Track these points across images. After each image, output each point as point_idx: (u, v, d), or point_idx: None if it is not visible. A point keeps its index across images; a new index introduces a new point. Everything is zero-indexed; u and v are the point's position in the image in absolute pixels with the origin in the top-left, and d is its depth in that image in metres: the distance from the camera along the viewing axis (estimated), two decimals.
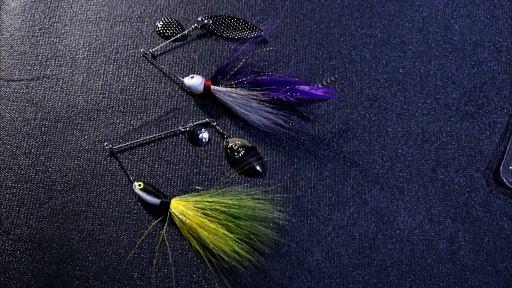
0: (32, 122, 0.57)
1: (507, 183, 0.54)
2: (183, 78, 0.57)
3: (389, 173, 0.55)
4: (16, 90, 0.58)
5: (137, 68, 0.59)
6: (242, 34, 0.60)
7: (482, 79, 0.59)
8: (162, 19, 0.61)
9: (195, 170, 0.55)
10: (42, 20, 0.62)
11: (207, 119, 0.57)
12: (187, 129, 0.57)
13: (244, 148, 0.55)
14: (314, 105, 0.58)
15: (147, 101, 0.58)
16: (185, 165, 0.56)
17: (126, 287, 0.51)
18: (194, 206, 0.52)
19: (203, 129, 0.56)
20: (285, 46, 0.60)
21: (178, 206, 0.52)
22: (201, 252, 0.51)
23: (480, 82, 0.59)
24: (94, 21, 0.62)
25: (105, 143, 0.56)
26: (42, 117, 0.57)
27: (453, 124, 0.57)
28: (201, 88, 0.57)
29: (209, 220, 0.51)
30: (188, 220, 0.51)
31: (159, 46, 0.60)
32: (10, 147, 0.56)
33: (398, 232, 0.53)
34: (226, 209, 0.51)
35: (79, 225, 0.53)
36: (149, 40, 0.61)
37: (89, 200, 0.54)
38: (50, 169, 0.55)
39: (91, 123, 0.57)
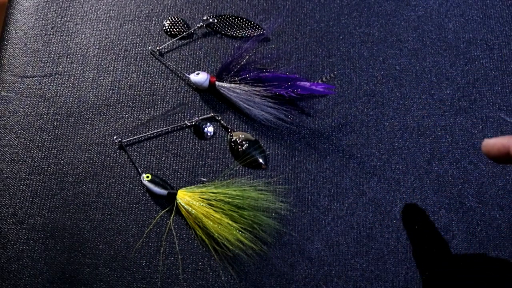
0: (45, 116, 0.56)
1: None
2: (189, 74, 0.56)
3: (386, 165, 0.54)
4: (29, 86, 0.57)
5: (145, 65, 0.58)
6: (245, 33, 0.59)
7: (475, 76, 0.57)
8: (169, 18, 0.60)
9: (200, 162, 0.54)
10: (54, 19, 0.60)
11: (212, 114, 0.56)
12: (193, 123, 0.55)
13: (247, 142, 0.54)
14: (314, 100, 0.56)
15: (154, 96, 0.57)
16: (191, 157, 0.54)
17: (135, 274, 0.50)
18: (199, 197, 0.51)
19: (208, 123, 0.55)
20: (286, 44, 0.59)
21: (185, 197, 0.51)
22: (206, 241, 0.50)
23: (473, 78, 0.57)
24: (104, 20, 0.60)
25: (115, 137, 0.55)
26: (54, 112, 0.56)
27: (447, 118, 0.56)
28: (206, 84, 0.55)
29: (214, 210, 0.50)
30: (194, 210, 0.50)
31: (166, 44, 0.59)
32: (24, 140, 0.55)
33: (394, 221, 0.52)
34: (230, 200, 0.50)
35: (90, 215, 0.52)
36: (156, 38, 0.59)
37: (99, 191, 0.53)
38: (62, 161, 0.54)
39: (101, 118, 0.56)
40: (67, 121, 0.56)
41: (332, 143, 0.55)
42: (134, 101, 0.57)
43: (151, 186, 0.52)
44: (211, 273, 0.50)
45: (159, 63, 0.58)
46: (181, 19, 0.60)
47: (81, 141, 0.55)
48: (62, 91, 0.57)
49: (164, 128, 0.55)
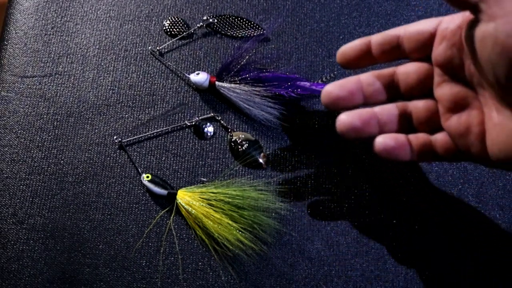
0: (45, 116, 0.55)
1: None
2: (189, 74, 0.55)
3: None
4: (29, 86, 0.56)
5: (145, 65, 0.57)
6: (245, 33, 0.58)
7: None
8: (169, 18, 0.59)
9: (200, 162, 0.53)
10: (54, 19, 0.60)
11: (212, 114, 0.55)
12: (193, 123, 0.55)
13: (247, 142, 0.54)
14: (314, 100, 0.56)
15: (154, 96, 0.56)
16: (191, 157, 0.54)
17: (135, 274, 0.50)
18: (199, 197, 0.50)
19: (208, 123, 0.55)
20: (286, 44, 0.58)
21: (185, 196, 0.50)
22: (206, 241, 0.49)
23: None
24: (104, 20, 0.60)
25: (115, 137, 0.54)
26: (55, 112, 0.55)
27: None
28: (206, 84, 0.55)
29: (214, 210, 0.49)
30: (194, 210, 0.49)
31: (166, 44, 0.58)
32: (24, 140, 0.54)
33: (394, 221, 0.51)
34: (230, 200, 0.49)
35: (90, 215, 0.52)
36: (156, 38, 0.59)
37: (99, 191, 0.52)
38: (62, 161, 0.54)
39: (101, 118, 0.55)
40: (67, 121, 0.55)
41: (332, 143, 0.54)
42: (134, 101, 0.56)
43: (151, 186, 0.51)
44: (211, 273, 0.50)
45: (159, 63, 0.58)
46: (181, 19, 0.59)
47: (81, 141, 0.54)
48: (62, 91, 0.56)
49: (164, 128, 0.55)
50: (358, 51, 0.43)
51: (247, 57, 0.55)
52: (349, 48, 0.43)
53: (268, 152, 0.54)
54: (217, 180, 0.52)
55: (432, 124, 0.41)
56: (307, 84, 0.54)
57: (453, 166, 0.53)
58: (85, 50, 0.58)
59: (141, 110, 0.56)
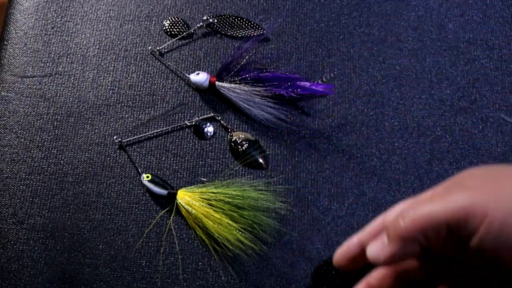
0: (45, 116, 0.55)
1: None
2: (189, 74, 0.55)
3: (386, 165, 0.53)
4: (29, 86, 0.56)
5: (145, 65, 0.57)
6: (245, 33, 0.58)
7: (475, 76, 0.57)
8: (169, 18, 0.59)
9: (200, 162, 0.53)
10: (54, 19, 0.60)
11: (212, 114, 0.55)
12: (193, 123, 0.55)
13: (247, 142, 0.54)
14: (314, 100, 0.56)
15: (154, 96, 0.56)
16: (191, 157, 0.54)
17: (135, 274, 0.49)
18: (199, 197, 0.50)
19: (208, 123, 0.55)
20: (286, 44, 0.58)
21: (185, 196, 0.50)
22: (206, 241, 0.49)
23: (473, 78, 0.56)
24: (104, 20, 0.60)
25: (115, 137, 0.54)
26: (55, 112, 0.55)
27: (447, 118, 0.55)
28: (206, 84, 0.55)
29: (214, 210, 0.49)
30: (194, 210, 0.49)
31: (166, 44, 0.58)
32: (24, 140, 0.54)
33: None
34: (230, 200, 0.49)
35: (90, 215, 0.52)
36: (156, 38, 0.59)
37: (99, 191, 0.52)
38: (62, 161, 0.53)
39: (101, 118, 0.55)
40: (67, 121, 0.55)
41: (332, 143, 0.54)
42: (134, 101, 0.56)
43: (151, 186, 0.51)
44: (211, 273, 0.49)
45: (159, 63, 0.58)
46: (181, 19, 0.59)
47: (81, 141, 0.54)
48: (62, 91, 0.56)
49: (164, 128, 0.55)
50: (352, 255, 0.40)
51: (247, 57, 0.55)
52: (342, 254, 0.40)
53: (268, 152, 0.54)
54: (217, 180, 0.52)
55: None
56: (307, 84, 0.54)
57: (453, 167, 0.53)
58: (85, 50, 0.58)
59: (141, 110, 0.56)
